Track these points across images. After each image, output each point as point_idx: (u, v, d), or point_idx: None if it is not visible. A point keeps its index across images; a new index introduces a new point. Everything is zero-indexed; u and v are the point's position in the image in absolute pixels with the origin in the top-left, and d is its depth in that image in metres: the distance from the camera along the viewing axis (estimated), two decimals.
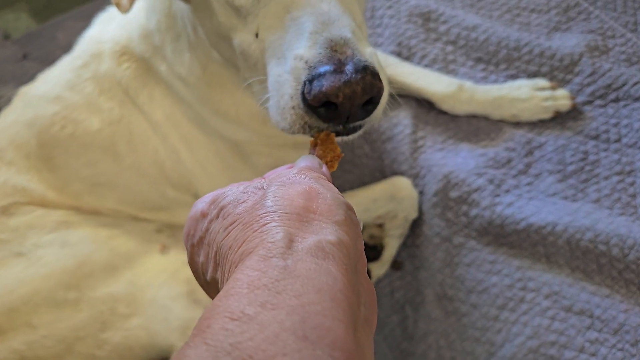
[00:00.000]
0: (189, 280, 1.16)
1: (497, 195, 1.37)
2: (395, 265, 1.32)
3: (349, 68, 0.64)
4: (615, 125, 1.48)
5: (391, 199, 1.31)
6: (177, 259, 1.19)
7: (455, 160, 1.43)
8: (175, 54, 1.07)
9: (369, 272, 1.29)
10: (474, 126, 1.48)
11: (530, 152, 1.44)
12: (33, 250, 1.13)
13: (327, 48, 0.65)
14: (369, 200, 1.30)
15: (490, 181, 1.39)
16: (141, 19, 1.14)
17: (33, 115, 1.22)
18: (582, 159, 1.44)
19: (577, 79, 1.53)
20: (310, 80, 0.65)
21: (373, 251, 1.31)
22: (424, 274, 1.29)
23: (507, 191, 1.40)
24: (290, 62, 0.67)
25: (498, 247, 1.34)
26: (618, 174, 1.41)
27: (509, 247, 1.34)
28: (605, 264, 1.28)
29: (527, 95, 1.46)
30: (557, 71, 1.54)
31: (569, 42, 1.52)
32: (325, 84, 0.63)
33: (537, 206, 1.35)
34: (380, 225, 1.33)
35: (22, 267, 1.11)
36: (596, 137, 1.47)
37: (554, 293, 1.27)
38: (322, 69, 0.64)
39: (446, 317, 1.27)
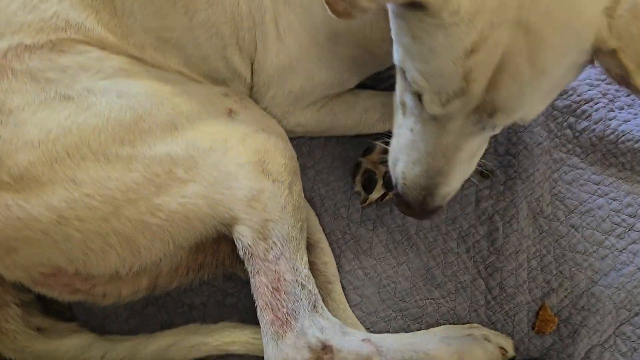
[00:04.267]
0: (259, 150, 0.99)
1: (611, 111, 1.19)
2: (485, 173, 1.14)
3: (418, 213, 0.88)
4: None
5: None
6: (246, 126, 1.02)
7: None
8: None
9: None
10: None
11: None
12: (84, 96, 0.95)
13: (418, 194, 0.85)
14: None
15: (604, 95, 1.20)
16: None
17: None
18: None
19: None
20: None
21: None
22: (520, 186, 1.12)
23: (622, 109, 1.21)
24: (399, 168, 0.88)
25: (605, 167, 1.17)
26: None
27: (618, 169, 1.16)
28: None
29: None
30: None
31: None
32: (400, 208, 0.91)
33: None
34: None
35: (69, 112, 0.94)
36: None
37: None
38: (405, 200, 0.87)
39: (541, 236, 1.10)
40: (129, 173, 0.92)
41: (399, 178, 0.87)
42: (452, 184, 0.85)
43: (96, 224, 0.90)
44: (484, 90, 0.72)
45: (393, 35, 0.80)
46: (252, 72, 1.10)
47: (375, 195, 1.12)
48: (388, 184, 1.10)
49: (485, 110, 0.74)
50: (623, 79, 0.72)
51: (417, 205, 0.85)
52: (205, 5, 1.02)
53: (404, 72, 0.80)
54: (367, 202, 1.13)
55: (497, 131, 0.81)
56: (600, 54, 0.71)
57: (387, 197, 1.12)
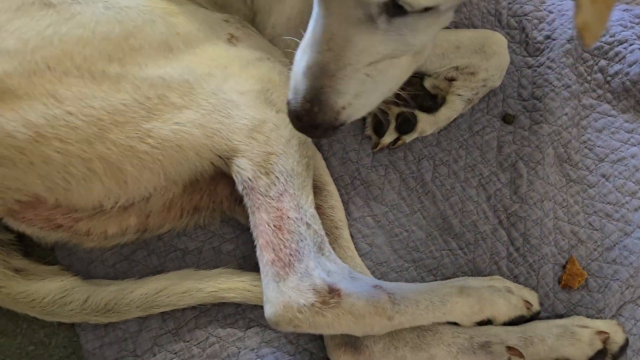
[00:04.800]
0: (262, 78, 0.90)
1: None
2: (507, 118, 1.05)
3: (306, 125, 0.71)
4: None
5: (477, 52, 1.02)
6: (249, 53, 0.92)
7: None
8: None
9: (414, 120, 1.01)
10: None
11: None
12: (67, 3, 0.86)
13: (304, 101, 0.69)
14: (451, 46, 1.01)
15: (639, 37, 1.10)
16: None
17: None
18: None
19: None
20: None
21: (430, 101, 1.03)
22: (547, 130, 1.02)
23: None
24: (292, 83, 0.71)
25: (639, 115, 1.07)
26: None
27: None
28: None
29: None
30: None
31: None
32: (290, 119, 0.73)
33: None
34: (451, 80, 1.04)
35: (51, 21, 0.84)
36: None
37: None
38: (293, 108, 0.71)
39: (568, 185, 1.00)
40: (117, 93, 0.83)
41: (291, 82, 0.72)
42: (344, 94, 0.69)
43: (78, 146, 0.81)
44: None
45: None
46: None
47: (387, 139, 1.02)
48: (401, 126, 1.00)
49: None
50: None
51: (305, 114, 0.69)
52: None
53: None
54: (379, 146, 1.03)
55: (394, 30, 0.67)
56: None
57: (399, 142, 1.02)
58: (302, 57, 0.69)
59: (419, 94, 1.00)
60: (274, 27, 1.01)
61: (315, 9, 0.68)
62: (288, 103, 0.72)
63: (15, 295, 0.90)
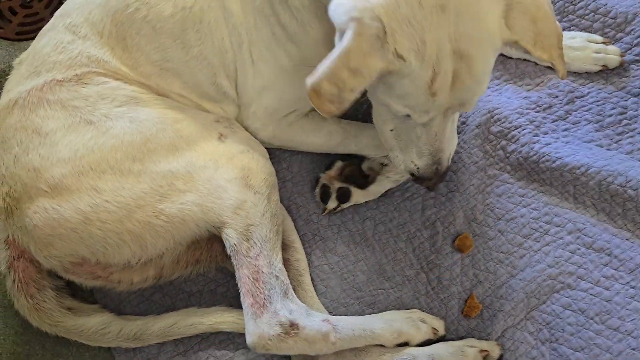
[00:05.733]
0: (243, 167, 1.23)
1: (536, 135, 1.44)
2: (430, 188, 1.39)
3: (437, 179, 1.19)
4: None
5: None
6: (234, 148, 1.26)
7: (499, 99, 1.49)
8: None
9: (349, 193, 1.37)
10: (521, 70, 1.53)
11: (571, 101, 1.50)
12: (103, 121, 1.20)
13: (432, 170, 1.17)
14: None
15: (531, 122, 1.46)
16: None
17: None
18: (621, 113, 1.49)
19: (628, 38, 1.56)
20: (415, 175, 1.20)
21: (363, 180, 1.37)
22: (458, 198, 1.37)
23: (546, 133, 1.46)
24: (408, 163, 1.19)
25: (529, 182, 1.41)
26: None
27: (540, 184, 1.41)
28: (630, 209, 1.35)
29: (581, 44, 1.50)
30: (609, 28, 1.58)
31: (624, 1, 1.56)
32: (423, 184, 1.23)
33: (573, 149, 1.42)
34: (383, 165, 1.39)
35: (92, 135, 1.18)
36: (638, 95, 1.52)
37: (577, 230, 1.35)
38: (425, 177, 1.19)
39: (474, 238, 1.35)
40: (139, 184, 1.17)
41: (413, 169, 1.18)
42: (448, 150, 1.16)
43: (113, 224, 1.15)
44: (449, 98, 1.01)
45: (371, 96, 1.11)
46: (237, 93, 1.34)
47: (331, 205, 1.37)
48: (340, 197, 1.35)
49: (455, 107, 1.05)
50: (527, 52, 1.16)
51: (434, 175, 1.17)
52: (198, 42, 1.26)
53: (386, 107, 1.09)
54: (326, 211, 1.38)
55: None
56: (508, 45, 1.10)
57: (339, 208, 1.37)
58: (422, 156, 1.15)
59: (355, 175, 1.35)
60: (255, 114, 1.34)
61: (415, 133, 1.12)
62: (418, 177, 1.19)
63: (68, 327, 1.24)
